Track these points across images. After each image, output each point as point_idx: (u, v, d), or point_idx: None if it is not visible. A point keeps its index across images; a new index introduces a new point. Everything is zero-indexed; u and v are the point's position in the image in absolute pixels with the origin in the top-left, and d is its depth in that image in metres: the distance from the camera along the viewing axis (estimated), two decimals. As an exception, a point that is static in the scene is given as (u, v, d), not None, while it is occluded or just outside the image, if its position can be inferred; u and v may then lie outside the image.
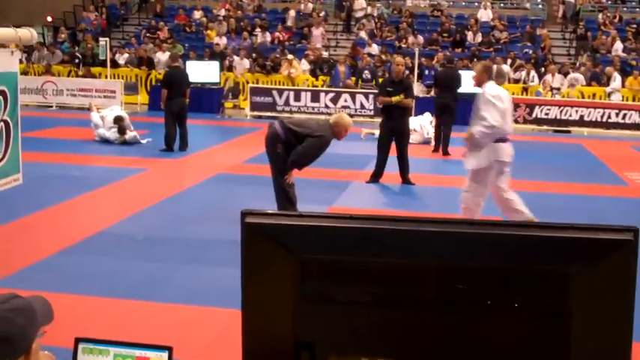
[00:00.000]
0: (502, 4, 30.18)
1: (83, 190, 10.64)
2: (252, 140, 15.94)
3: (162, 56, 23.05)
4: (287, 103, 21.07)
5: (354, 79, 21.87)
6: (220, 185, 11.43)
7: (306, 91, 21.46)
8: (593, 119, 19.98)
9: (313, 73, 23.08)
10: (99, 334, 2.52)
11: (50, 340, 2.14)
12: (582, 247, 1.71)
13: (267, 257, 1.80)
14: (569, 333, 1.72)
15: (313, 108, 20.72)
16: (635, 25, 26.24)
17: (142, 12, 30.87)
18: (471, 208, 8.06)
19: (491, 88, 7.92)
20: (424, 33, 26.53)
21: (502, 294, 1.76)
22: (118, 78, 22.86)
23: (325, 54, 24.62)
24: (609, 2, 28.82)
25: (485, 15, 27.49)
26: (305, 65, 23.42)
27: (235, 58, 23.35)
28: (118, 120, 15.05)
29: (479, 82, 8.13)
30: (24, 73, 21.67)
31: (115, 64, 23.49)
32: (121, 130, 14.95)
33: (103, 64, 22.89)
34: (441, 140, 15.31)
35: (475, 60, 22.69)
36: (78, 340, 2.26)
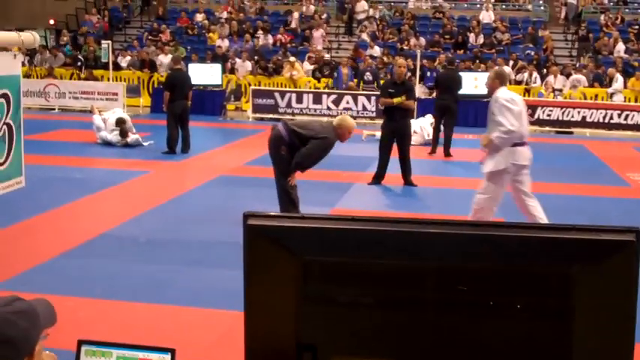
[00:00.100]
0: (504, 6, 30.18)
1: (85, 192, 10.64)
2: (254, 142, 15.95)
3: (164, 59, 23.07)
4: (289, 105, 21.09)
5: (356, 81, 21.90)
6: (222, 187, 11.43)
7: (308, 93, 21.48)
8: (596, 120, 19.98)
9: (315, 75, 23.09)
10: (101, 336, 2.52)
11: (53, 343, 2.14)
12: (584, 248, 1.71)
13: (269, 259, 1.80)
14: (571, 334, 1.72)
15: (315, 110, 20.74)
16: (637, 27, 26.24)
17: (144, 15, 30.92)
18: (483, 210, 8.05)
19: (503, 92, 7.94)
20: (426, 35, 26.55)
21: (504, 295, 1.75)
22: (121, 81, 22.90)
23: (327, 56, 24.64)
24: (611, 4, 28.81)
25: (487, 16, 27.50)
26: (308, 66, 23.45)
27: (237, 60, 23.38)
28: (119, 122, 15.06)
29: (491, 89, 8.14)
30: (26, 76, 21.70)
31: (117, 67, 23.52)
32: (123, 133, 14.96)
33: (105, 66, 22.92)
34: (443, 142, 15.31)
35: (477, 61, 22.75)
36: (81, 343, 2.26)
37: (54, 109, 22.01)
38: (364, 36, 26.44)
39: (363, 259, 1.78)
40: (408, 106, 11.85)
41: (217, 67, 22.05)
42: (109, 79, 22.68)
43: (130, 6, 31.00)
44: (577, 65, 23.74)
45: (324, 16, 28.44)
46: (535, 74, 22.03)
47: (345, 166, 12.70)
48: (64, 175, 11.95)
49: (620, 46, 24.49)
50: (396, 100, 11.56)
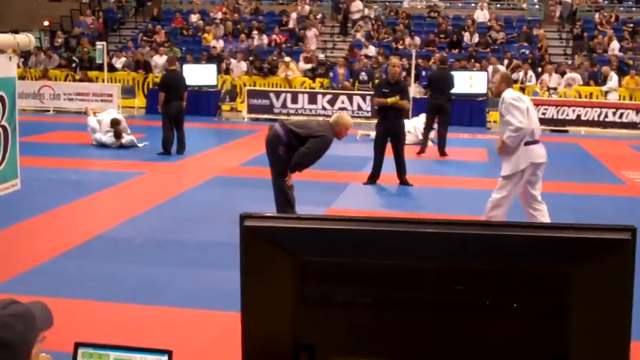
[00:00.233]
0: (499, 5, 30.22)
1: (81, 194, 10.63)
2: (249, 143, 15.95)
3: (159, 60, 23.05)
4: (284, 105, 21.10)
5: (352, 80, 21.92)
6: (218, 188, 11.43)
7: (303, 93, 21.49)
8: (591, 119, 20.02)
9: (307, 75, 23.10)
10: (98, 338, 2.51)
11: (50, 345, 2.14)
12: (580, 246, 1.71)
13: (266, 260, 1.81)
14: (568, 332, 1.72)
15: (310, 110, 20.74)
16: (631, 25, 26.30)
17: (138, 15, 30.88)
18: (497, 209, 8.04)
19: (509, 93, 8.04)
20: (421, 34, 26.57)
21: (501, 294, 1.76)
22: (115, 82, 22.86)
23: (322, 56, 24.64)
24: (606, 2, 28.86)
25: (481, 16, 27.52)
26: (303, 65, 23.45)
27: (232, 60, 23.37)
28: (114, 123, 15.04)
29: (498, 91, 8.23)
30: (21, 77, 21.65)
31: (112, 68, 23.49)
32: (117, 134, 14.94)
33: (100, 68, 22.89)
34: (437, 142, 15.31)
35: (472, 61, 22.77)
36: (77, 345, 2.26)
37: (49, 110, 21.99)
38: (359, 36, 26.44)
39: (360, 259, 1.79)
40: (402, 106, 11.84)
41: (212, 68, 22.04)
42: (103, 81, 22.65)
43: (124, 7, 30.97)
44: (570, 62, 23.77)
45: (319, 16, 28.44)
46: (530, 73, 22.06)
47: (341, 165, 12.70)
48: (59, 176, 11.93)
49: (615, 45, 24.53)
50: (390, 100, 11.56)
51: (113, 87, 21.94)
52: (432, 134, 15.81)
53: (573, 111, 20.07)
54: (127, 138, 15.09)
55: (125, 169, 12.82)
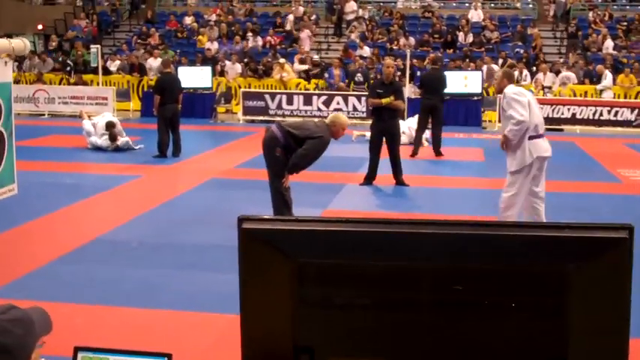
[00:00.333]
0: (492, 4, 30.28)
1: (77, 197, 10.62)
2: (245, 145, 15.95)
3: (153, 62, 23.04)
4: (279, 106, 21.09)
5: (347, 81, 21.93)
6: (214, 190, 11.43)
7: (298, 94, 21.49)
8: (585, 117, 20.07)
9: (301, 75, 23.10)
10: (95, 342, 2.52)
11: (49, 350, 2.14)
12: (578, 245, 1.72)
13: (264, 262, 1.81)
14: (566, 331, 1.73)
15: (306, 111, 20.74)
16: (625, 23, 26.37)
17: (132, 18, 30.86)
18: (510, 208, 8.04)
19: (510, 88, 8.07)
20: (415, 34, 26.59)
21: (499, 294, 1.76)
22: (110, 85, 22.82)
23: (316, 57, 24.65)
24: (599, 0, 28.92)
25: (475, 15, 27.57)
26: (299, 66, 23.46)
27: (227, 62, 23.36)
28: (109, 126, 15.03)
29: (500, 88, 8.27)
30: (15, 81, 21.42)
31: (106, 71, 23.47)
32: (112, 137, 14.93)
33: (94, 71, 22.87)
34: (432, 142, 15.31)
35: (467, 60, 22.80)
36: (77, 349, 2.26)
37: (43, 114, 21.96)
38: (353, 36, 26.46)
39: (358, 260, 1.79)
40: (396, 107, 11.85)
41: (207, 70, 22.03)
42: (98, 84, 22.63)
43: (118, 10, 30.95)
44: (567, 63, 23.80)
45: (314, 17, 28.45)
46: (525, 72, 22.10)
47: (337, 166, 12.70)
48: (55, 180, 11.92)
49: (609, 43, 24.59)
50: (384, 101, 11.56)
51: (108, 90, 21.91)
52: (427, 134, 15.80)
53: (568, 109, 20.10)
54: (122, 140, 15.09)
55: (121, 172, 12.80)
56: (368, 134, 13.00)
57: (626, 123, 19.92)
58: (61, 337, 2.70)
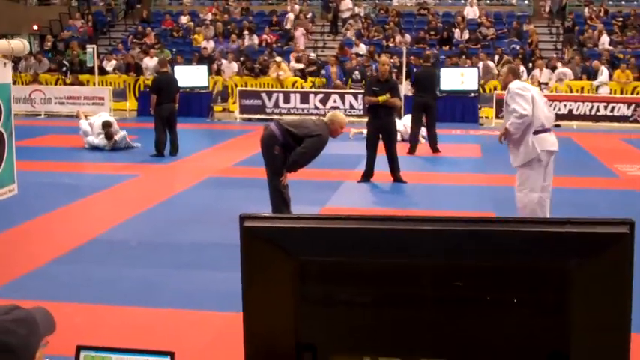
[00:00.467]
0: (488, 1, 30.29)
1: (75, 197, 10.61)
2: (242, 143, 15.96)
3: (150, 62, 23.02)
4: (276, 105, 21.10)
5: (345, 78, 21.95)
6: (212, 189, 11.43)
7: (295, 92, 21.49)
8: (582, 113, 20.09)
9: (302, 75, 23.10)
10: (95, 341, 2.52)
11: (50, 349, 2.14)
12: (579, 241, 1.72)
13: (266, 260, 1.81)
14: (568, 327, 1.73)
15: (303, 109, 20.75)
16: (620, 18, 26.39)
17: (128, 18, 30.82)
18: (526, 205, 7.95)
19: (515, 84, 8.04)
20: (411, 32, 26.61)
21: (500, 291, 1.77)
22: (106, 85, 22.81)
23: (313, 55, 24.64)
24: (594, -4, 28.98)
25: (471, 12, 27.58)
26: (295, 65, 23.45)
27: (223, 61, 23.35)
28: (105, 125, 15.02)
29: (505, 83, 8.23)
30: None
31: (102, 71, 23.45)
32: (108, 136, 14.92)
33: (90, 71, 22.85)
34: (428, 140, 15.30)
35: (463, 57, 22.80)
36: (79, 348, 2.26)
37: (40, 115, 21.93)
38: (350, 34, 26.45)
39: (360, 258, 1.79)
40: (393, 104, 11.86)
41: (203, 69, 22.03)
42: (94, 84, 22.61)
43: (113, 10, 30.91)
44: (563, 59, 23.82)
45: (309, 15, 28.44)
46: (521, 68, 22.09)
47: (335, 164, 12.70)
48: (53, 180, 11.91)
49: (605, 39, 24.61)
50: (381, 98, 11.57)
51: (104, 90, 21.90)
52: (423, 132, 15.79)
53: (565, 105, 20.13)
54: (120, 134, 15.06)
55: (118, 171, 12.80)
56: (365, 132, 13.01)
57: (623, 118, 19.95)
58: (60, 337, 2.70)
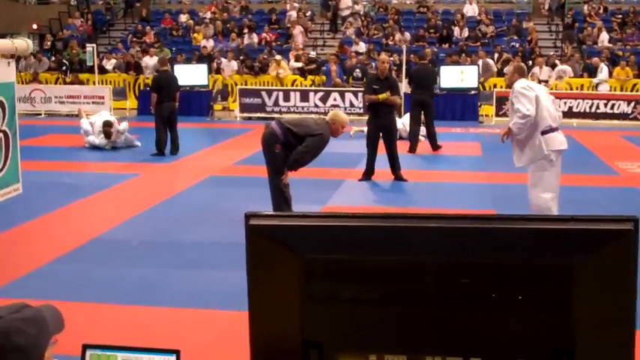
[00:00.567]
0: (487, -1, 30.27)
1: (76, 197, 10.62)
2: (242, 142, 15.96)
3: (149, 61, 23.00)
4: (276, 103, 21.09)
5: (345, 77, 21.94)
6: (212, 188, 11.43)
7: (295, 91, 21.48)
8: (582, 110, 20.09)
9: (302, 74, 23.09)
10: (97, 340, 2.52)
11: (55, 348, 2.14)
12: (583, 238, 1.73)
13: (271, 258, 1.82)
14: (572, 324, 1.74)
15: (303, 108, 20.73)
16: (620, 16, 26.37)
17: (127, 17, 30.79)
18: (540, 205, 7.87)
19: (520, 82, 7.98)
20: (411, 30, 26.60)
21: (505, 288, 1.77)
22: (106, 84, 22.80)
23: (312, 53, 24.63)
24: (594, -7, 28.95)
25: (471, 10, 27.56)
26: (295, 63, 23.44)
27: (223, 60, 23.34)
28: (105, 125, 15.02)
29: (511, 82, 8.22)
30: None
31: (102, 70, 23.44)
32: (108, 135, 14.92)
33: (90, 70, 22.84)
34: (427, 138, 15.29)
35: (463, 55, 22.79)
36: (85, 347, 2.27)
37: (40, 114, 21.92)
38: (349, 32, 26.44)
39: (365, 255, 1.80)
40: (393, 102, 11.86)
41: (203, 68, 22.01)
42: (94, 83, 22.60)
43: (113, 8, 30.88)
44: (562, 56, 23.81)
45: (309, 13, 28.43)
46: (521, 66, 22.08)
47: (335, 163, 12.69)
48: (54, 180, 11.91)
49: (604, 36, 24.60)
50: (381, 97, 11.57)
51: (104, 89, 21.88)
52: (423, 130, 15.77)
53: (565, 103, 20.09)
54: (122, 125, 15.07)
55: (119, 170, 12.80)
56: (366, 130, 13.00)
57: (623, 116, 19.95)
58: (63, 336, 2.70)
